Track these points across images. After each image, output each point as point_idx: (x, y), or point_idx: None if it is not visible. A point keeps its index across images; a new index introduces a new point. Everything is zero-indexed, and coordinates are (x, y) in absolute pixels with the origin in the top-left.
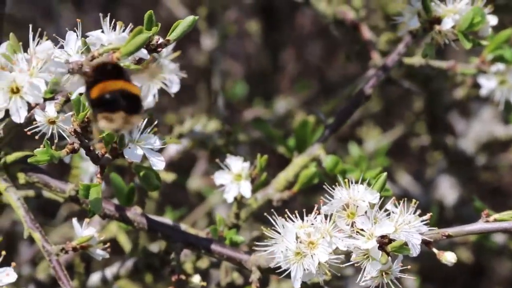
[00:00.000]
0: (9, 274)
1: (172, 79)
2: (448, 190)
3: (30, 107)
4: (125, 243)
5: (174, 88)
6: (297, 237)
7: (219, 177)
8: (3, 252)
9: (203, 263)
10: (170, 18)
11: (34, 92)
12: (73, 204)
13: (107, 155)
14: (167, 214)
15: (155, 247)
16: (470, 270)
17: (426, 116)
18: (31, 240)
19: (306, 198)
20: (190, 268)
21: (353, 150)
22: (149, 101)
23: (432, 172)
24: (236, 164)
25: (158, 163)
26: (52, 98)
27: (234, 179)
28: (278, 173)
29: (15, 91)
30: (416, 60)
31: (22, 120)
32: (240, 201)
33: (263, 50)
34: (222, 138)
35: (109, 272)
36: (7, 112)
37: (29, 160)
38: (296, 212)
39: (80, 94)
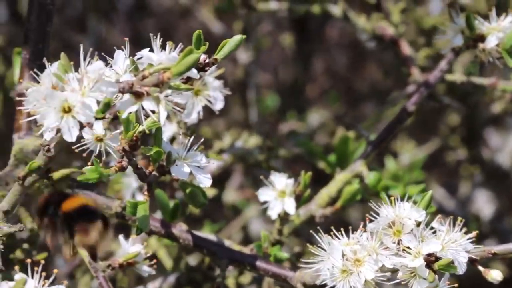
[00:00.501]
0: None
1: (216, 96)
2: (484, 205)
3: (82, 126)
4: (165, 259)
5: (218, 105)
6: (343, 255)
7: (263, 194)
8: (42, 261)
9: (245, 278)
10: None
11: (86, 112)
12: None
13: (154, 172)
14: (206, 227)
15: (194, 260)
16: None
17: (462, 130)
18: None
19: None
20: (233, 283)
21: (389, 163)
22: (193, 117)
23: (467, 186)
24: (280, 180)
25: (205, 181)
26: (103, 118)
27: (278, 195)
28: (315, 188)
29: (67, 110)
30: (458, 77)
31: (73, 139)
32: (283, 218)
33: (294, 62)
34: (262, 153)
35: (152, 287)
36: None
37: (78, 178)
38: (342, 229)
39: (130, 113)
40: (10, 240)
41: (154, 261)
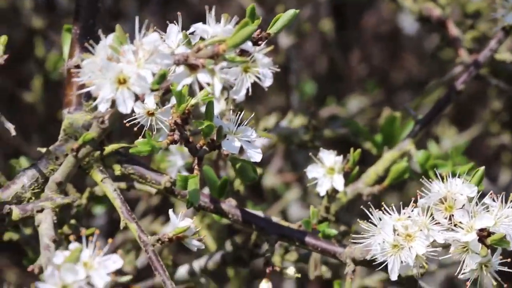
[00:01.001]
0: (116, 262)
1: (265, 73)
2: None
3: (136, 98)
4: (208, 240)
5: (267, 82)
6: (394, 230)
7: (312, 171)
8: (110, 240)
9: (291, 256)
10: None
11: (141, 83)
12: (150, 200)
13: (204, 147)
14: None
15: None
16: None
17: (504, 116)
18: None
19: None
20: (279, 261)
21: (432, 148)
22: (242, 94)
23: (508, 173)
24: (329, 157)
25: (255, 155)
26: (158, 90)
27: (327, 172)
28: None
29: (122, 82)
30: (508, 56)
31: (128, 111)
32: (330, 195)
33: (332, 48)
34: (307, 133)
35: (197, 264)
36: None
37: (130, 150)
38: (392, 205)
39: (184, 86)
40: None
41: (204, 235)
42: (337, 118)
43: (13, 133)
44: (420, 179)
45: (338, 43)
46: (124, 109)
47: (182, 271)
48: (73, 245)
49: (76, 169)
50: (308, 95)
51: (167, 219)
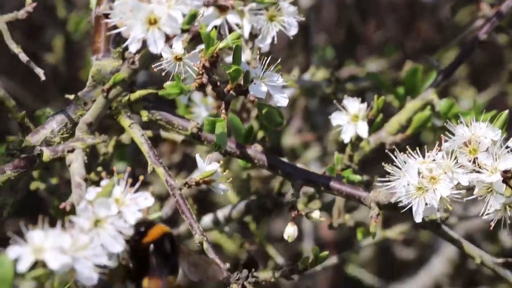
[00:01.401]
0: (147, 198)
1: (290, 22)
2: None
3: (167, 39)
4: (230, 193)
5: (293, 31)
6: (418, 173)
7: (336, 118)
8: (141, 177)
9: (315, 205)
10: None
11: (172, 24)
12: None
13: (231, 92)
14: None
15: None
16: None
17: None
18: None
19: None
20: (302, 209)
21: None
22: (267, 43)
23: None
24: (353, 105)
25: (282, 100)
26: (188, 30)
27: (351, 120)
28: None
29: (153, 22)
30: None
31: (159, 51)
32: (354, 143)
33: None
34: (330, 86)
35: (221, 214)
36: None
37: (160, 92)
38: (417, 149)
39: (215, 27)
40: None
41: (230, 179)
42: (357, 78)
43: (43, 77)
44: (444, 124)
45: (356, 6)
46: (154, 49)
47: (207, 220)
48: (105, 182)
49: (106, 111)
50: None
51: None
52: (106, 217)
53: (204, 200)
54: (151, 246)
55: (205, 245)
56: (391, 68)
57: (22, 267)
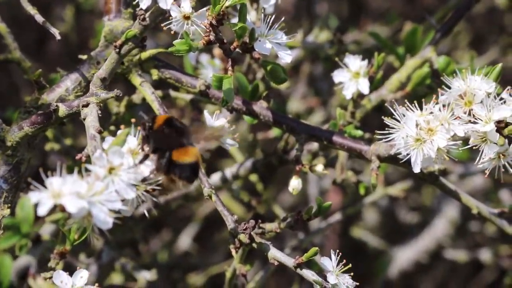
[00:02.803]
0: None
1: None
2: None
3: None
4: (236, 154)
5: None
6: (417, 125)
7: (338, 75)
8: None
9: (319, 161)
10: None
11: None
12: None
13: (238, 49)
14: (274, 131)
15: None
16: None
17: None
18: None
19: None
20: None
21: None
22: (271, 3)
23: None
24: (355, 62)
25: (286, 57)
26: None
27: (352, 76)
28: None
29: None
30: None
31: (168, 7)
32: (355, 100)
33: None
34: (333, 47)
35: (229, 172)
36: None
37: (169, 49)
38: (415, 102)
39: None
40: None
41: (237, 134)
42: (360, 43)
43: (58, 37)
44: (441, 77)
45: None
46: (164, 5)
47: (215, 178)
48: (120, 131)
49: (119, 66)
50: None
51: None
52: (120, 165)
53: (212, 162)
54: (164, 126)
55: (214, 198)
56: (393, 35)
57: (42, 211)
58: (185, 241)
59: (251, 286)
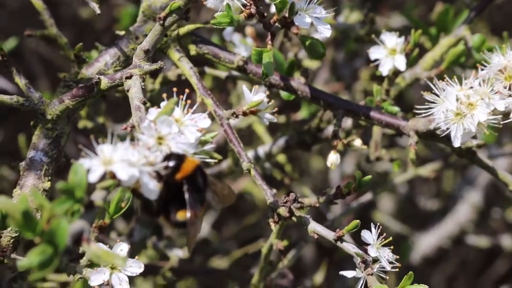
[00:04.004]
0: (205, 118)
1: None
2: None
3: None
4: (264, 135)
5: None
6: (457, 99)
7: (375, 52)
8: (199, 99)
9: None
10: None
11: None
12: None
13: (277, 24)
14: (303, 109)
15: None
16: None
17: None
18: None
19: None
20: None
21: None
22: None
23: None
24: (391, 39)
25: (325, 31)
26: None
27: (389, 53)
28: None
29: None
30: None
31: None
32: (391, 78)
33: None
34: (364, 28)
35: (262, 150)
36: None
37: (211, 22)
38: (455, 77)
39: None
40: None
41: (276, 109)
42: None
43: (98, 11)
44: (480, 53)
45: None
46: None
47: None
48: (165, 102)
49: (162, 38)
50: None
51: None
52: (168, 134)
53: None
54: (185, 182)
55: (253, 172)
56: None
57: (93, 177)
58: (203, 228)
59: (285, 263)
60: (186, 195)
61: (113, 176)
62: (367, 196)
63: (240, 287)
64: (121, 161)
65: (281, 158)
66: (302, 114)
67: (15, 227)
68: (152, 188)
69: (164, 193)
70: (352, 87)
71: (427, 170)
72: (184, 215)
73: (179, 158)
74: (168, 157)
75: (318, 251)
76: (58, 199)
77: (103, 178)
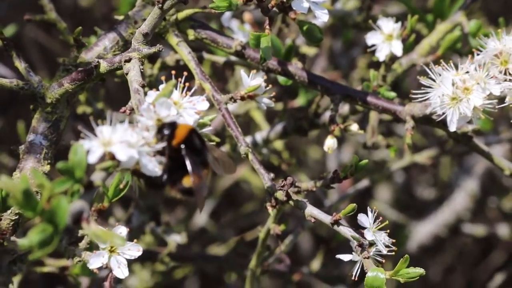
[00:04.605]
0: (204, 101)
1: None
2: None
3: None
4: (262, 121)
5: None
6: (453, 83)
7: (371, 37)
8: (197, 82)
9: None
10: None
11: None
12: None
13: (275, 8)
14: (301, 96)
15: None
16: None
17: None
18: None
19: None
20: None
21: None
22: None
23: None
24: (388, 24)
25: (323, 16)
26: None
27: (385, 39)
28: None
29: None
30: None
31: None
32: (387, 64)
33: None
34: (361, 14)
35: (259, 136)
36: None
37: (210, 6)
38: (450, 62)
39: None
40: None
41: (274, 93)
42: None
43: None
44: (476, 38)
45: None
46: None
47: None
48: (164, 85)
49: (161, 22)
50: None
51: None
52: (167, 117)
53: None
54: (182, 146)
55: (250, 157)
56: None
57: (92, 158)
58: (201, 217)
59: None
60: (186, 160)
61: (112, 157)
62: (364, 183)
63: (238, 273)
64: (120, 142)
65: (279, 144)
66: (299, 101)
67: (15, 206)
68: (152, 168)
69: (166, 164)
70: (350, 75)
71: (423, 157)
72: (189, 180)
73: (172, 125)
74: (161, 128)
75: (315, 241)
76: (58, 179)
77: (102, 159)
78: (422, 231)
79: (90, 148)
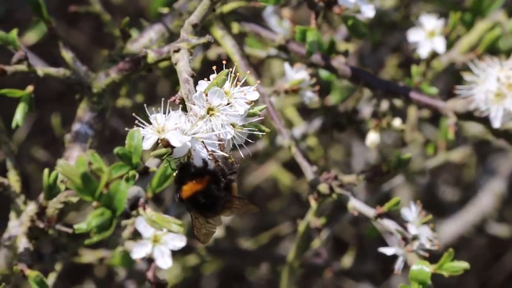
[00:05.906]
0: (254, 91)
1: None
2: None
3: None
4: (295, 117)
5: None
6: (497, 80)
7: (413, 34)
8: (248, 72)
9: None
10: None
11: None
12: None
13: (321, 3)
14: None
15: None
16: None
17: None
18: None
19: None
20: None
21: None
22: None
23: None
24: (430, 21)
25: (368, 11)
26: None
27: (427, 36)
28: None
29: None
30: None
31: None
32: (428, 61)
33: None
34: (399, 12)
35: (298, 131)
36: None
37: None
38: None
39: None
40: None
41: (317, 87)
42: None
43: None
44: None
45: None
46: None
47: (279, 140)
48: (215, 74)
49: (210, 12)
50: None
51: None
52: (219, 106)
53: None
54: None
55: (293, 149)
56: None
57: (147, 145)
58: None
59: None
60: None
61: (166, 144)
62: (398, 180)
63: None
64: (174, 129)
65: (312, 141)
66: (333, 98)
67: (74, 190)
68: (204, 156)
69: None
70: (379, 74)
71: (458, 155)
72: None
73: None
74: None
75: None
76: (115, 164)
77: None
78: (447, 231)
79: (145, 134)
